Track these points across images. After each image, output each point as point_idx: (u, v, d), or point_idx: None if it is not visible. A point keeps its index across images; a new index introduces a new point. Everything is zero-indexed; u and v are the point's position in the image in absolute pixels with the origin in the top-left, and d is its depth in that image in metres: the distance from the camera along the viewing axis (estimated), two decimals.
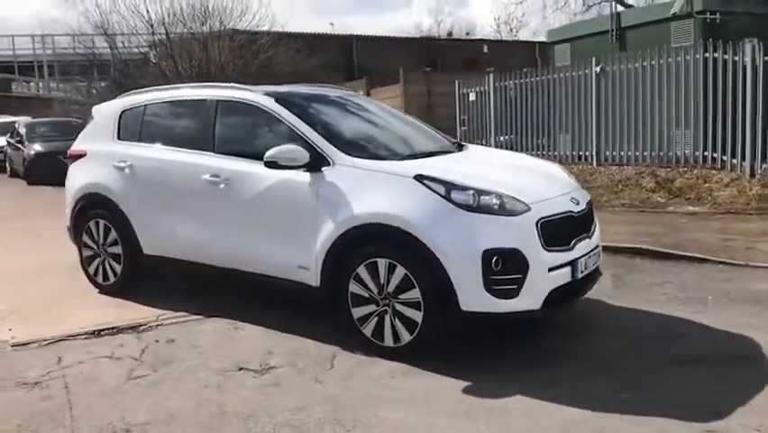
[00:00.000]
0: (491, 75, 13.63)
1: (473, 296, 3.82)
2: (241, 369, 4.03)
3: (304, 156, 4.34)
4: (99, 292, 5.73)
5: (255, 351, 4.30)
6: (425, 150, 4.92)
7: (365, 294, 4.15)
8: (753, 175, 9.12)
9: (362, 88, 18.66)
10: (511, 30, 35.53)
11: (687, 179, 9.68)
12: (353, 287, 4.19)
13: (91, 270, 5.74)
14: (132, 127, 5.57)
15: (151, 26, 19.73)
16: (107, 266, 5.60)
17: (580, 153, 11.82)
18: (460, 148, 5.27)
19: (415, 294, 3.95)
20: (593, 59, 11.24)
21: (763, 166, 9.03)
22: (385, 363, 4.03)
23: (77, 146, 5.95)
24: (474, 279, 3.80)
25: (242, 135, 5.01)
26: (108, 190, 5.47)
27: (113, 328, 4.75)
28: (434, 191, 3.97)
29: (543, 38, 30.45)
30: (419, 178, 4.05)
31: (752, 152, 9.21)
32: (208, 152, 4.94)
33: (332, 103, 5.29)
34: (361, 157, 4.40)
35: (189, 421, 3.38)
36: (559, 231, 4.06)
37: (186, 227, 5.03)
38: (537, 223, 3.93)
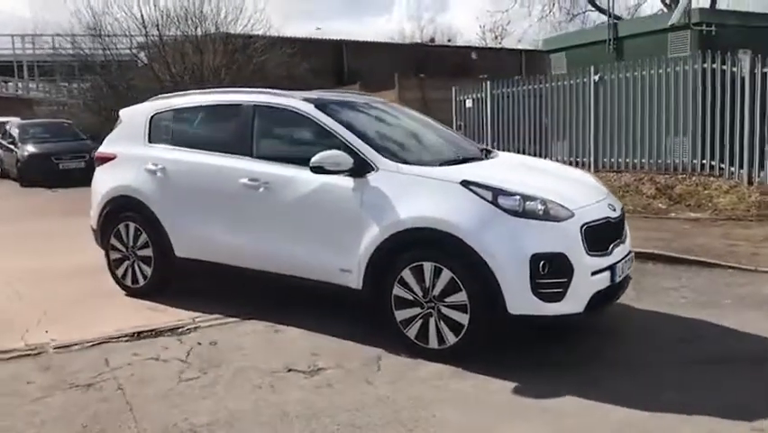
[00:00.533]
0: (488, 82, 13.79)
1: (520, 299, 3.94)
2: (290, 370, 4.10)
3: (348, 162, 4.44)
4: (126, 295, 5.76)
5: (300, 353, 4.37)
6: (459, 156, 5.03)
7: (409, 297, 4.24)
8: (750, 183, 9.38)
9: None
10: (496, 37, 35.86)
11: (686, 186, 9.92)
12: (397, 290, 4.28)
13: (119, 272, 5.76)
14: (165, 131, 5.63)
15: (144, 28, 19.66)
16: (137, 269, 5.63)
17: (577, 160, 12.01)
18: (488, 154, 5.39)
19: (461, 297, 4.06)
20: (591, 68, 11.44)
21: (761, 174, 9.29)
22: (430, 365, 4.13)
23: (105, 149, 5.98)
24: (522, 282, 3.92)
25: (282, 140, 5.11)
26: (140, 193, 5.51)
27: (152, 331, 4.80)
28: (481, 197, 4.09)
29: (528, 46, 30.91)
30: (465, 183, 4.17)
31: (749, 161, 9.47)
32: (246, 157, 5.01)
33: (364, 109, 5.39)
34: (403, 163, 4.51)
35: (252, 422, 3.45)
36: (599, 236, 4.21)
37: (221, 230, 5.09)
38: (581, 228, 4.07)
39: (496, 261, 3.94)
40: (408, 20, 63.44)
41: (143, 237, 5.53)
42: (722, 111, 9.91)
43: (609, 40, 12.39)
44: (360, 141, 4.58)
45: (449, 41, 40.96)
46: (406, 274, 4.23)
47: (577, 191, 4.51)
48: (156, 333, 4.77)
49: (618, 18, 27.86)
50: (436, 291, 4.14)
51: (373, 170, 4.44)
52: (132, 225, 5.59)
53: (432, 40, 40.66)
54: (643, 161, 11.05)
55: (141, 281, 5.64)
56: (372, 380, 3.96)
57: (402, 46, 31.70)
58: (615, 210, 4.49)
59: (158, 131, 5.67)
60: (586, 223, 4.12)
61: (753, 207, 8.81)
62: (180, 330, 4.83)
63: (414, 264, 4.20)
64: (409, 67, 26.48)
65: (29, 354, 4.41)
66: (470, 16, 55.10)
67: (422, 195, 4.26)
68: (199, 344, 4.56)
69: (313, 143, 4.76)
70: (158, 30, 19.71)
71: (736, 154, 9.66)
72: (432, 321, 4.19)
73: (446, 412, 3.54)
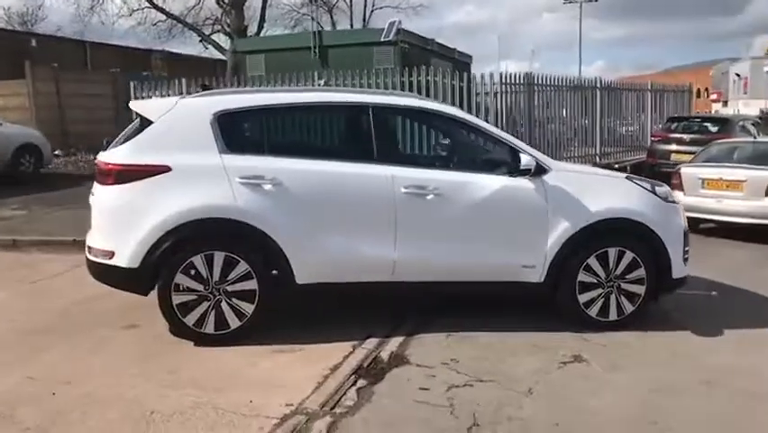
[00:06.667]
0: (183, 80, 13.19)
1: (679, 266, 5.06)
2: (566, 363, 4.32)
3: (534, 164, 4.75)
4: (196, 345, 4.48)
5: (526, 351, 4.51)
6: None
7: (593, 280, 4.89)
8: None
9: None
10: (25, 23, 31.69)
11: None
12: (582, 276, 4.88)
13: (191, 318, 4.42)
14: (250, 136, 4.56)
15: None
16: (226, 309, 4.45)
17: None
18: None
19: (640, 273, 4.93)
20: (316, 73, 12.30)
21: None
22: (618, 334, 4.86)
23: (144, 159, 4.36)
24: (680, 253, 5.06)
25: (438, 146, 4.87)
26: (242, 213, 4.37)
27: (362, 368, 4.13)
28: (644, 188, 5.05)
29: (94, 38, 28.43)
30: (630, 178, 5.05)
31: None
32: (396, 164, 4.65)
33: None
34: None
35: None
36: None
37: (372, 245, 4.58)
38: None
39: (668, 238, 4.97)
40: None
41: (241, 268, 4.41)
42: None
43: (314, 47, 13.35)
44: (525, 145, 4.90)
45: None
46: (592, 261, 4.87)
47: None
48: (375, 369, 4.13)
49: (177, 18, 28.41)
50: (618, 271, 4.91)
51: (547, 170, 4.85)
52: (219, 255, 4.38)
53: None
54: None
55: (234, 324, 4.47)
56: (620, 362, 4.49)
57: None
58: None
59: (237, 135, 4.51)
60: None
61: None
62: (384, 360, 4.27)
63: (599, 251, 4.87)
64: None
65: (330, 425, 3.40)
66: None
67: (601, 190, 4.94)
68: (446, 363, 4.20)
69: (473, 148, 4.82)
70: None
71: None
72: (612, 297, 4.94)
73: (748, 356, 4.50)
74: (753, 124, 15.06)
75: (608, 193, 4.98)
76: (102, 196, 4.49)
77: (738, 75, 49.35)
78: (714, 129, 13.86)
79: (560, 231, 4.79)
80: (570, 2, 31.93)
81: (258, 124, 4.69)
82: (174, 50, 30.16)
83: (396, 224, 4.62)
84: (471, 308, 5.21)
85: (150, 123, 4.52)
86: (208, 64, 29.43)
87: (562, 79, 13.28)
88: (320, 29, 15.83)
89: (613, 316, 4.96)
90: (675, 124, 14.40)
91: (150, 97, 13.45)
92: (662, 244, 4.95)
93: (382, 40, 12.74)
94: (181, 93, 13.18)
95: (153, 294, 4.50)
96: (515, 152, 4.79)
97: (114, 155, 4.49)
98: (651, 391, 3.93)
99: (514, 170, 4.75)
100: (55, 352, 4.42)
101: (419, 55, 13.55)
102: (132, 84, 13.53)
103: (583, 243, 4.85)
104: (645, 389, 3.95)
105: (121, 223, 4.39)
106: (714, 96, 54.20)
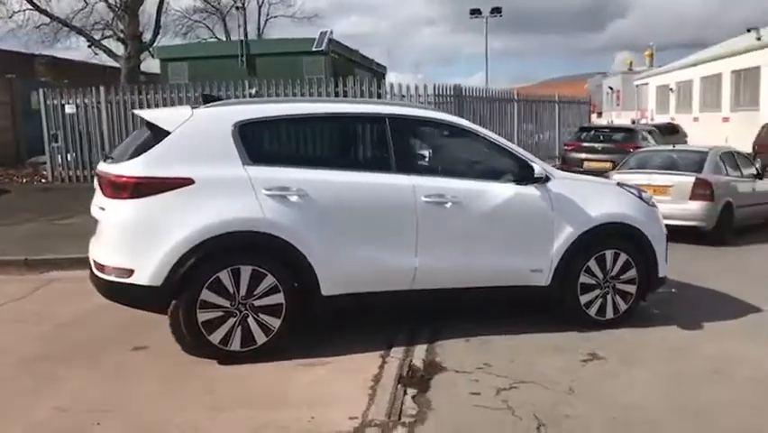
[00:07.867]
0: (102, 87, 12.56)
1: (663, 266, 5.45)
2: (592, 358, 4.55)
3: (544, 173, 4.97)
4: (221, 363, 4.32)
5: (544, 351, 4.72)
6: None
7: (592, 282, 5.18)
8: None
9: None
10: None
11: None
12: (583, 278, 5.15)
13: (216, 336, 4.25)
14: (272, 146, 4.47)
15: None
16: (252, 325, 4.31)
17: None
18: None
19: (632, 273, 5.27)
20: (247, 81, 12.10)
21: None
22: (616, 331, 5.19)
23: (166, 172, 4.14)
24: (664, 254, 5.45)
25: (451, 156, 4.95)
26: (270, 225, 4.26)
27: (407, 378, 4.15)
28: (632, 194, 5.39)
29: None
30: (620, 185, 5.38)
31: None
32: (413, 173, 4.70)
33: None
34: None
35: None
36: None
37: (393, 254, 4.61)
38: None
39: (656, 241, 5.34)
40: None
41: (268, 282, 4.29)
42: None
43: (241, 56, 13.07)
44: (531, 155, 5.11)
45: None
46: (592, 263, 5.15)
47: None
48: (416, 377, 4.16)
49: (63, 22, 26.82)
50: (614, 272, 5.22)
51: (550, 178, 5.08)
52: (246, 270, 4.25)
53: None
54: None
55: (261, 339, 4.34)
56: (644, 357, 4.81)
57: None
58: None
59: (259, 146, 4.39)
60: None
61: None
62: (421, 369, 4.31)
63: (598, 254, 5.16)
64: None
65: None
66: None
67: (598, 196, 5.23)
68: (488, 366, 4.30)
69: (483, 158, 4.97)
70: None
71: None
72: (609, 297, 5.24)
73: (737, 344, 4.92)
74: (649, 133, 16.36)
75: (604, 199, 5.28)
76: (116, 210, 4.23)
77: (611, 88, 53.04)
78: (620, 138, 14.90)
79: (564, 235, 5.03)
80: (476, 17, 33.08)
81: (279, 134, 4.60)
82: (60, 56, 28.39)
83: (417, 232, 4.68)
84: (473, 313, 5.34)
85: (163, 133, 4.31)
86: (99, 70, 27.97)
87: (485, 92, 13.80)
88: (245, 37, 15.50)
89: (609, 315, 5.26)
90: (585, 134, 15.33)
91: (64, 106, 12.73)
92: (651, 246, 5.32)
93: (314, 49, 12.70)
94: (99, 102, 12.54)
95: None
96: (525, 162, 5.00)
97: (129, 167, 4.24)
98: (673, 383, 4.22)
99: (522, 178, 4.96)
100: (73, 380, 4.11)
101: (345, 65, 13.66)
102: (41, 91, 12.66)
103: (584, 246, 5.12)
104: (667, 382, 4.23)
105: (141, 239, 4.16)
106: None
